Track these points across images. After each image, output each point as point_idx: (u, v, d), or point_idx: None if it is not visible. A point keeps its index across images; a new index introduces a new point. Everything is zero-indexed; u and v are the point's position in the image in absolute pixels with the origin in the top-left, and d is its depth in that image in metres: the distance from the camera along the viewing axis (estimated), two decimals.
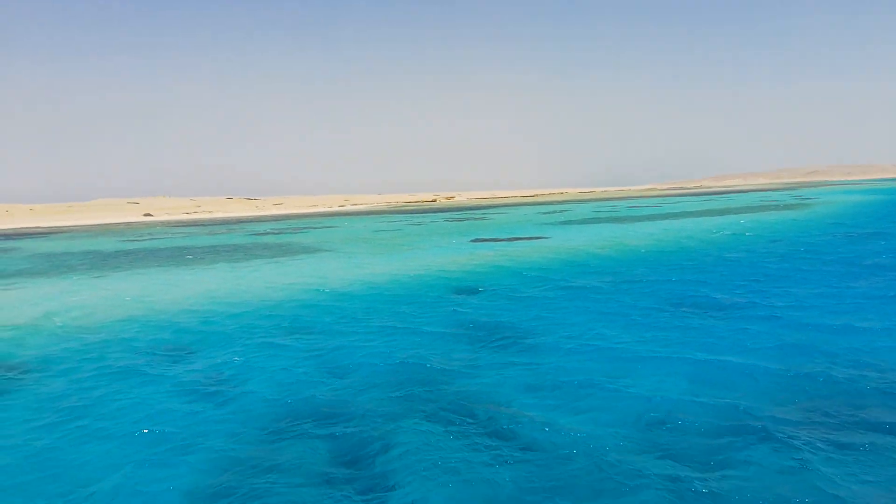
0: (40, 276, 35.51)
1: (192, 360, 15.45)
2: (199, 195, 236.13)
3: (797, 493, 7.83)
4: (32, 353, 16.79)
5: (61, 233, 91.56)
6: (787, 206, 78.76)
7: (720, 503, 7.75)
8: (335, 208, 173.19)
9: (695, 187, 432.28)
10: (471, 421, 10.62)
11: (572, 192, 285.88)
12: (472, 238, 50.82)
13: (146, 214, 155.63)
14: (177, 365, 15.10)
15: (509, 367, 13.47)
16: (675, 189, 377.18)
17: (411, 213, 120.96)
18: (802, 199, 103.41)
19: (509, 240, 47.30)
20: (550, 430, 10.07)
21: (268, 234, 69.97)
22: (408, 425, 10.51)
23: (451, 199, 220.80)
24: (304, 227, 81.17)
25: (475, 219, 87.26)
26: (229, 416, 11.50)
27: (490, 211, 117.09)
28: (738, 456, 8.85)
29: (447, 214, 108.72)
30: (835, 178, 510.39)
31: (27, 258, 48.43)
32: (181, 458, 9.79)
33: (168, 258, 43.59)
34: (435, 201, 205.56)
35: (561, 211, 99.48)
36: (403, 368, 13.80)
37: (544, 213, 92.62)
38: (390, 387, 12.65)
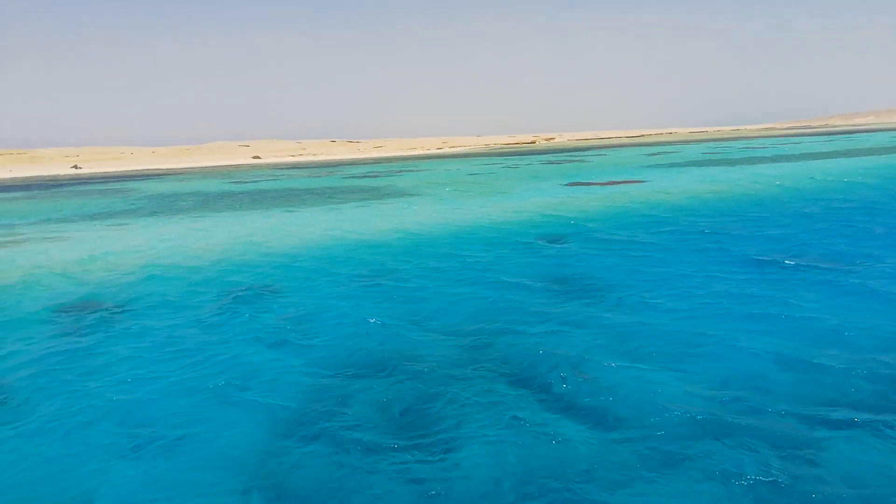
0: (149, 215, 37.46)
1: (276, 302, 15.41)
2: (305, 138, 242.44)
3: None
4: (132, 291, 17.37)
5: (177, 174, 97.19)
6: None
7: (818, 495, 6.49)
8: (433, 151, 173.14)
9: (820, 126, 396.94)
10: (546, 380, 9.72)
11: (682, 132, 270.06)
12: (569, 181, 48.80)
13: (255, 157, 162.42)
14: (262, 305, 15.10)
15: (593, 322, 12.34)
16: (797, 128, 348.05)
17: (508, 156, 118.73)
18: None
19: (607, 183, 44.93)
20: (633, 394, 9.02)
21: (364, 176, 70.75)
22: (479, 381, 9.82)
23: (552, 141, 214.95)
24: (400, 170, 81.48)
25: (574, 161, 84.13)
26: (306, 359, 11.29)
27: (590, 153, 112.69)
28: (842, 436, 7.47)
29: (545, 157, 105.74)
30: None
31: (142, 198, 51.48)
32: (253, 398, 9.74)
33: (267, 200, 44.83)
34: (534, 143, 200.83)
35: (667, 153, 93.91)
36: (482, 318, 13.07)
37: (648, 155, 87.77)
38: (466, 337, 11.95)
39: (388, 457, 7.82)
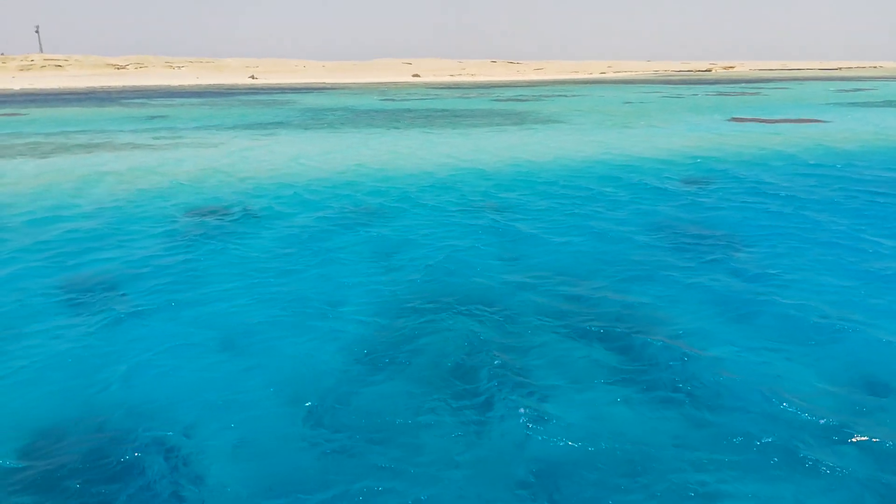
0: (294, 128, 39.16)
1: (376, 224, 15.43)
2: (467, 58, 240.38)
3: None
4: (249, 201, 18.24)
5: (338, 89, 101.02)
6: None
7: None
8: (595, 75, 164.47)
9: None
10: (645, 349, 8.49)
11: (889, 66, 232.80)
12: (731, 116, 43.97)
13: (414, 75, 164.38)
14: (362, 227, 15.17)
15: (714, 287, 10.77)
16: None
17: (675, 84, 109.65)
18: None
19: (778, 121, 39.89)
20: (748, 380, 7.61)
21: (512, 100, 68.86)
22: (566, 339, 8.94)
23: (730, 69, 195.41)
24: (553, 95, 78.32)
25: (748, 94, 75.69)
26: (389, 288, 11.10)
27: (768, 85, 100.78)
28: None
29: (716, 87, 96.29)
30: None
31: (297, 111, 54.00)
32: (332, 318, 9.78)
33: (406, 119, 45.10)
34: (710, 71, 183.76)
35: (861, 89, 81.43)
36: (582, 267, 12.03)
37: (837, 91, 76.71)
38: (560, 286, 11.03)
39: (451, 400, 7.37)
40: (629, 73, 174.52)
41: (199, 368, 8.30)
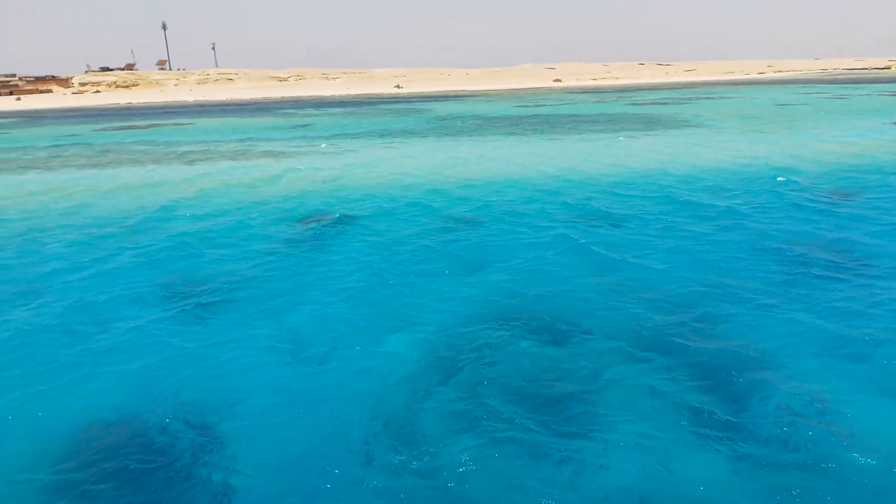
0: (419, 136, 40.13)
1: (472, 234, 15.46)
2: (613, 61, 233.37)
3: None
4: (353, 207, 18.99)
5: (477, 96, 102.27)
6: None
7: None
8: (752, 76, 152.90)
9: None
10: (749, 391, 7.60)
11: None
12: None
13: (555, 80, 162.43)
14: (454, 235, 15.29)
15: (829, 323, 9.46)
16: None
17: (843, 84, 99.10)
18: None
19: None
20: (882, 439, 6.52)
21: (651, 103, 65.83)
22: (644, 365, 8.42)
23: None
24: (698, 97, 73.86)
25: None
26: (473, 298, 11.11)
27: None
28: None
29: (892, 86, 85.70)
30: None
31: (429, 119, 55.32)
32: (410, 326, 9.96)
33: (531, 125, 44.60)
34: (888, 69, 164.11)
35: None
36: (683, 289, 11.15)
37: None
38: (651, 309, 10.33)
39: (516, 427, 7.13)
40: (791, 73, 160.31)
41: (270, 373, 8.66)
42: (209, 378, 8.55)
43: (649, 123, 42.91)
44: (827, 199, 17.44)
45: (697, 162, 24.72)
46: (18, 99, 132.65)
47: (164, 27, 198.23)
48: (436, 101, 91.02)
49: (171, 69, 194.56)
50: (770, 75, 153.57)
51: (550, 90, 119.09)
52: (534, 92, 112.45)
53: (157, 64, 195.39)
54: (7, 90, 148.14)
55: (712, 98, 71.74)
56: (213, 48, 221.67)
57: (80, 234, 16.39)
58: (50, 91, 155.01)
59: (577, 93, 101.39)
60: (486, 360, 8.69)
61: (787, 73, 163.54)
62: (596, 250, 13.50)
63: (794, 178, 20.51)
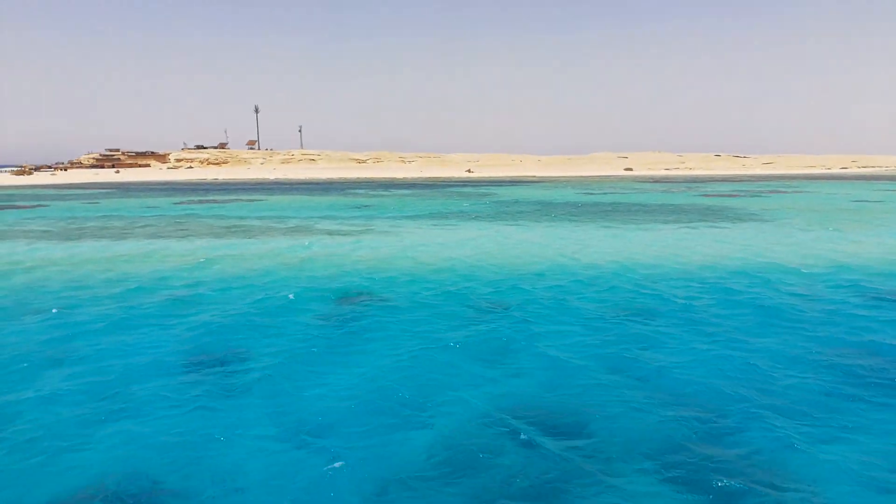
0: (475, 219, 40.59)
1: (505, 321, 15.21)
2: (689, 151, 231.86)
3: None
4: (390, 288, 19.13)
5: (545, 182, 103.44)
6: None
7: None
8: (833, 170, 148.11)
9: None
10: None
11: None
12: None
13: (627, 169, 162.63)
14: (490, 322, 15.02)
15: (869, 442, 8.64)
16: None
17: None
18: None
19: None
20: None
21: (719, 195, 64.53)
22: (668, 486, 8.03)
23: None
24: (770, 191, 71.91)
25: None
26: (498, 391, 10.87)
27: None
28: None
29: None
30: None
31: (490, 203, 56.07)
32: (439, 417, 9.77)
33: (589, 213, 44.39)
34: None
35: None
36: (719, 396, 10.46)
37: None
38: (683, 418, 9.74)
39: None
40: (877, 169, 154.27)
41: (282, 457, 8.57)
42: (209, 457, 8.51)
43: (710, 215, 41.89)
44: (893, 306, 16.22)
45: (751, 257, 23.74)
46: (117, 172, 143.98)
47: (257, 110, 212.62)
48: (502, 185, 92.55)
49: (259, 149, 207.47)
50: (853, 170, 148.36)
51: (619, 178, 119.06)
52: (602, 180, 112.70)
53: (247, 144, 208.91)
54: (110, 163, 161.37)
55: (785, 192, 69.66)
56: (300, 130, 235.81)
57: (118, 300, 17.16)
58: (148, 165, 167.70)
59: (646, 182, 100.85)
60: (488, 463, 8.29)
61: (872, 168, 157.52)
62: (631, 347, 12.92)
63: (856, 280, 19.29)
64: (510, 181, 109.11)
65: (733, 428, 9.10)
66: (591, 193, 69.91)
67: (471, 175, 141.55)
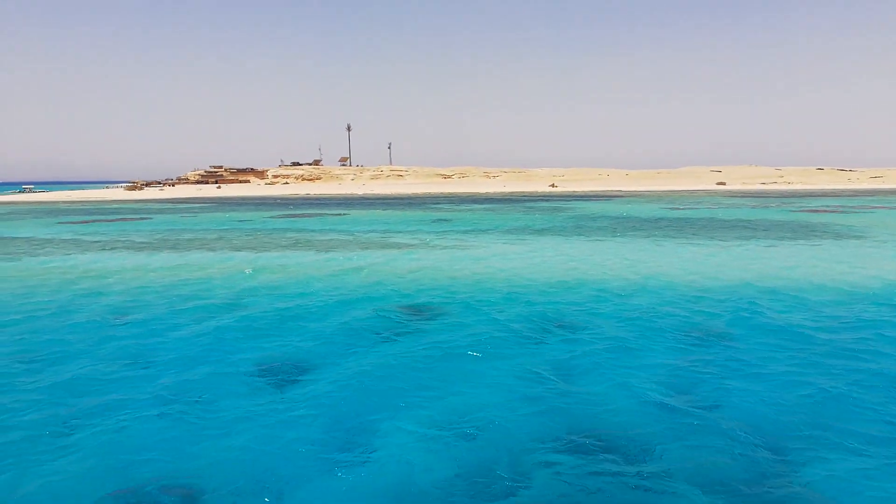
0: (549, 233, 40.38)
1: (559, 340, 15.26)
2: (788, 165, 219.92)
3: None
4: (444, 299, 19.55)
5: (630, 197, 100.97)
6: None
7: None
8: None
9: None
10: None
11: None
12: None
13: (719, 183, 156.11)
14: (543, 342, 15.11)
15: None
16: None
17: None
18: None
19: None
20: None
21: (814, 210, 60.85)
22: None
23: None
24: (875, 206, 67.04)
25: None
26: (544, 409, 10.99)
27: None
28: None
29: None
30: None
31: (566, 218, 55.52)
32: (486, 432, 10.09)
33: (668, 228, 43.12)
34: None
35: None
36: (786, 429, 10.29)
37: None
38: (741, 449, 9.56)
39: None
40: None
41: (320, 461, 9.02)
42: (249, 457, 9.15)
43: (800, 232, 39.70)
44: None
45: (837, 277, 22.44)
46: (219, 187, 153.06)
47: (349, 128, 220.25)
48: (584, 200, 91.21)
49: (350, 165, 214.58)
50: None
51: (710, 193, 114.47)
52: (691, 194, 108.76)
53: (339, 160, 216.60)
54: (213, 179, 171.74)
55: (892, 207, 64.77)
56: (389, 147, 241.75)
57: (192, 310, 18.49)
58: (248, 181, 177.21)
59: (738, 197, 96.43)
60: (524, 483, 8.41)
61: None
62: (698, 370, 12.56)
63: None
64: (593, 196, 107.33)
65: (806, 460, 8.76)
66: (676, 208, 67.71)
67: (554, 190, 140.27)
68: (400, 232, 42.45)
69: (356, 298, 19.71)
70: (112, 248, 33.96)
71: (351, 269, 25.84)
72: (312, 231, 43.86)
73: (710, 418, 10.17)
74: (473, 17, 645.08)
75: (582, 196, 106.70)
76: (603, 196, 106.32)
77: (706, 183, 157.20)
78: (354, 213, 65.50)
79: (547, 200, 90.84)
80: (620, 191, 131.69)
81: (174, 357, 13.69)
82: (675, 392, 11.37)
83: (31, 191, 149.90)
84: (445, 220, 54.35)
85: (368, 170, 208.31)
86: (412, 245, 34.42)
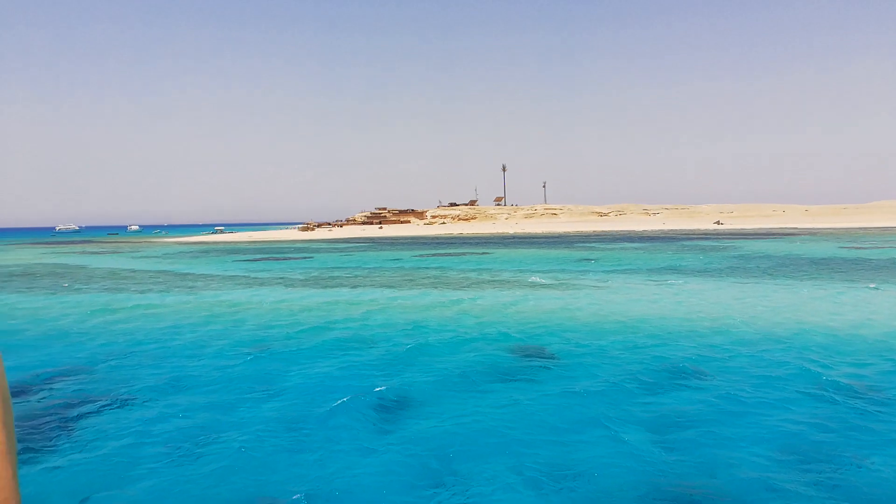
0: (696, 274, 37.83)
1: (670, 393, 14.50)
2: None
3: None
4: (555, 343, 19.08)
5: (803, 235, 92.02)
6: None
7: None
8: None
9: None
10: None
11: None
12: None
13: None
14: (657, 394, 14.44)
15: None
16: None
17: None
18: None
19: None
20: None
21: None
22: None
23: None
24: None
25: None
26: (646, 470, 10.58)
27: None
28: None
29: None
30: None
31: (725, 258, 51.69)
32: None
33: (837, 270, 38.55)
34: None
35: None
36: None
37: None
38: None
39: None
40: None
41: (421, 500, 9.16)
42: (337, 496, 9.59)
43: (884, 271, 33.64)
44: None
45: None
46: (381, 227, 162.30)
47: (504, 169, 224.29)
48: (751, 238, 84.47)
49: (505, 204, 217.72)
50: None
51: (887, 231, 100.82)
52: (882, 231, 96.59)
53: (494, 200, 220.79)
54: (377, 220, 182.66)
55: None
56: (544, 186, 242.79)
57: (325, 343, 19.69)
58: (408, 221, 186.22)
59: None
60: None
61: None
62: (824, 436, 11.24)
63: None
64: (764, 233, 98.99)
65: None
66: (860, 248, 60.39)
67: (719, 227, 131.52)
68: (541, 272, 42.07)
69: (473, 338, 19.81)
70: (271, 285, 37.22)
71: (474, 308, 26.06)
72: (456, 270, 44.90)
73: (849, 489, 8.87)
74: (637, 47, 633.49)
75: (748, 234, 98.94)
76: (772, 234, 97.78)
77: None
78: (500, 252, 66.11)
79: (707, 239, 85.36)
80: (796, 228, 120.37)
81: (291, 385, 14.63)
82: (800, 455, 10.14)
83: (221, 231, 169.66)
84: (588, 259, 53.04)
85: (522, 209, 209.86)
86: (550, 285, 33.95)
